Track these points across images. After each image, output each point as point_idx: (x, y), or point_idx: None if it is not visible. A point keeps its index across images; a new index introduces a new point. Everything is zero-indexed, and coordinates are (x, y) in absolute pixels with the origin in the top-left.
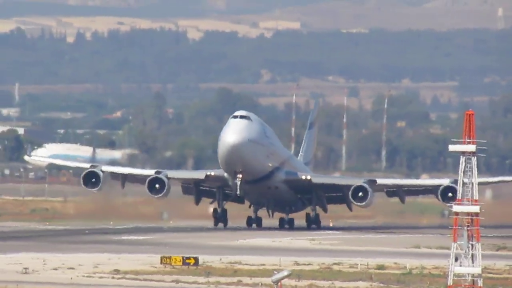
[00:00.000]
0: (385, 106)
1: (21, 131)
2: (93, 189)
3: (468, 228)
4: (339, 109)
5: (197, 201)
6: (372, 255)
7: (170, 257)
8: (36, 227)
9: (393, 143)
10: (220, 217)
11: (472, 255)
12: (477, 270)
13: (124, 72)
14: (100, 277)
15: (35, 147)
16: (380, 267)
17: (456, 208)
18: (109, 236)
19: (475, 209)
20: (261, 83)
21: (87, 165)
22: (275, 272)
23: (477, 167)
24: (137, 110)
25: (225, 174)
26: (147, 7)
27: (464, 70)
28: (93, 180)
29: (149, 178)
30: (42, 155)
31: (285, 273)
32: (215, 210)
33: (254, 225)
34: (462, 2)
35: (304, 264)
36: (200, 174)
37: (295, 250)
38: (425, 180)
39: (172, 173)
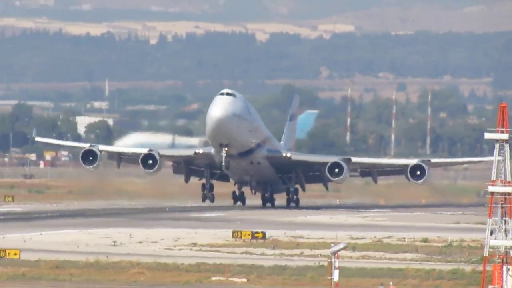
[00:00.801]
0: (429, 99)
1: (110, 121)
2: (90, 167)
3: (502, 206)
4: (389, 102)
5: (187, 179)
6: (418, 230)
7: (240, 232)
8: (123, 205)
9: (436, 131)
10: (208, 192)
11: (506, 230)
12: (510, 243)
13: (200, 70)
14: (180, 249)
15: (122, 135)
16: (425, 240)
17: (491, 188)
18: (187, 214)
19: (508, 189)
20: (320, 79)
21: (86, 145)
22: (333, 244)
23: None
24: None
25: (212, 151)
26: (220, 12)
27: (498, 67)
28: (91, 158)
29: (142, 155)
30: (127, 143)
31: (341, 245)
32: (203, 185)
33: (239, 203)
34: (496, 8)
35: (358, 238)
36: (189, 152)
37: (350, 226)
38: (395, 160)
39: (163, 151)
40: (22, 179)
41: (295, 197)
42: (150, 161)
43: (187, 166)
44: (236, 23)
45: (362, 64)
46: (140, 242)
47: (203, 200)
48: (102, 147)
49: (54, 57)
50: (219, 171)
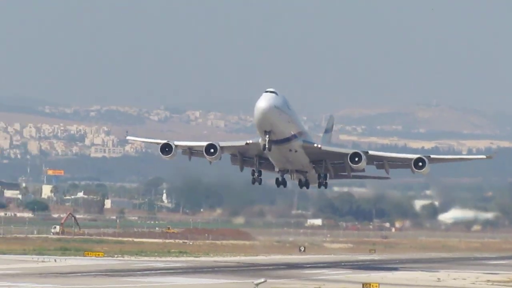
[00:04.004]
0: None
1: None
2: (166, 156)
3: None
4: None
5: (241, 168)
6: None
7: None
8: (441, 255)
9: None
10: (257, 176)
11: None
12: None
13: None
14: (475, 284)
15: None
16: None
17: None
18: (481, 260)
19: None
20: None
21: (164, 141)
22: None
23: None
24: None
25: (260, 140)
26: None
27: None
28: (167, 149)
29: (205, 145)
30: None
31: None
32: (253, 171)
33: (281, 186)
34: None
35: None
36: (242, 142)
37: None
38: (403, 155)
39: (222, 143)
40: (380, 239)
41: (324, 181)
42: (212, 150)
43: (241, 157)
44: None
45: None
46: (454, 278)
47: (253, 183)
48: (177, 142)
49: None
50: (265, 161)
